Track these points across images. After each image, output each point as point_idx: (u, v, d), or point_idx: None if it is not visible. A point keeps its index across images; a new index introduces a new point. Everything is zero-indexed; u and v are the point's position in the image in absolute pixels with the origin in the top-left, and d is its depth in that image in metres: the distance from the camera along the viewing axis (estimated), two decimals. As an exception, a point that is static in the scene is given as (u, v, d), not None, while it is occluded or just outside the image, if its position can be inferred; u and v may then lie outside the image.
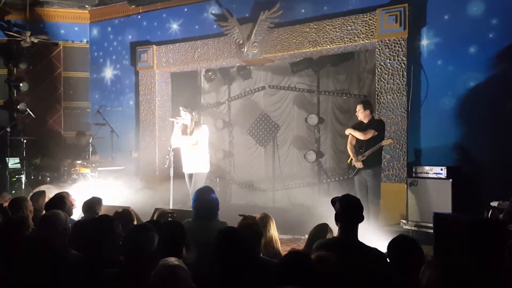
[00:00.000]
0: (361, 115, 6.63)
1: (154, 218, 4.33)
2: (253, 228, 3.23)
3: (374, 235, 4.47)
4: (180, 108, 7.20)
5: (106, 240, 3.02)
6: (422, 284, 2.42)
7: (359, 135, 6.59)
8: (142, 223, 3.57)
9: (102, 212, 4.52)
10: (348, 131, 6.80)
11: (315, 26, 7.72)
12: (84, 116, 10.82)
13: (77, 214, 4.85)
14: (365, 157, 6.46)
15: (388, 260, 2.93)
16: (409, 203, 6.40)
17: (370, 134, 6.55)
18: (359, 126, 6.72)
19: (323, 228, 3.65)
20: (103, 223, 3.19)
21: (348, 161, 6.70)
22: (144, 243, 2.76)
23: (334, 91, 8.55)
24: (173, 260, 2.32)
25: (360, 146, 6.59)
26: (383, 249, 3.02)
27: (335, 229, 3.48)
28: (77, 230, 3.76)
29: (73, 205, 4.62)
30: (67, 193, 4.70)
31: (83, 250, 3.11)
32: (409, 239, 2.94)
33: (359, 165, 6.51)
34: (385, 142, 6.60)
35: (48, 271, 2.45)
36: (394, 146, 6.86)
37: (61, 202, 4.37)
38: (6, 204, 4.71)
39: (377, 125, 6.69)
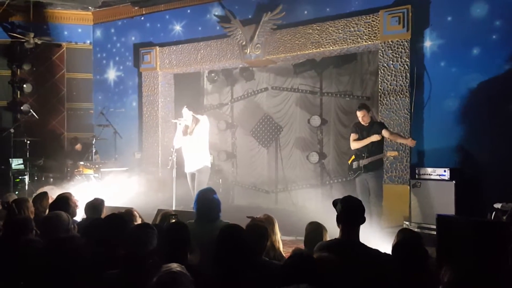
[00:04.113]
0: (366, 118, 6.36)
1: (157, 219, 4.33)
2: (260, 230, 3.22)
3: (376, 237, 4.46)
4: (185, 107, 7.15)
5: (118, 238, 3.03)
6: (443, 283, 2.48)
7: (366, 141, 6.29)
8: (142, 223, 3.59)
9: (104, 213, 4.53)
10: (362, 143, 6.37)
11: (318, 28, 7.73)
12: (87, 117, 10.85)
13: (79, 215, 4.85)
14: (367, 163, 6.25)
15: (391, 261, 2.93)
16: (412, 204, 6.39)
17: (374, 138, 6.27)
18: (361, 129, 6.43)
19: (318, 227, 3.65)
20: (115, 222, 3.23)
21: (349, 161, 6.53)
22: (144, 241, 2.77)
23: (337, 93, 8.55)
24: (175, 266, 2.29)
25: (362, 150, 6.34)
26: (386, 250, 3.02)
27: (331, 229, 3.49)
28: (87, 230, 3.75)
29: (76, 205, 4.62)
30: (70, 193, 4.69)
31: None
32: (413, 239, 2.95)
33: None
34: (390, 154, 6.45)
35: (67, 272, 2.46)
36: (397, 147, 6.85)
37: (65, 203, 4.36)
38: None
39: (380, 127, 6.41)
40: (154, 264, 2.70)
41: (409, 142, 6.22)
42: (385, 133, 6.25)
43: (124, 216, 3.73)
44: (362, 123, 6.34)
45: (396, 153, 6.53)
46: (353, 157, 6.44)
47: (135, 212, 4.38)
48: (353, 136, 6.44)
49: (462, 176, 6.24)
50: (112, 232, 3.18)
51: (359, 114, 6.34)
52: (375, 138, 6.21)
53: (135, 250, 2.75)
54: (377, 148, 6.31)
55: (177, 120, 7.23)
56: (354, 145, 6.41)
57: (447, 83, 6.78)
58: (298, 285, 2.14)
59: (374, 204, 6.11)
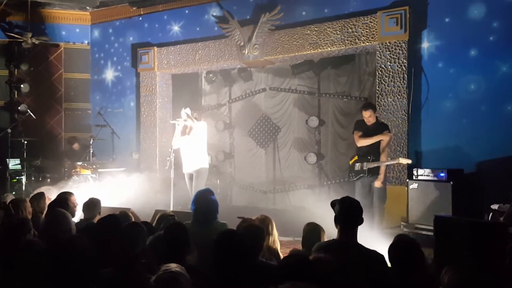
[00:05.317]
0: (372, 118, 5.91)
1: (155, 220, 4.33)
2: (257, 231, 3.22)
3: (374, 238, 4.45)
4: (185, 110, 7.11)
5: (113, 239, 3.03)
6: (443, 284, 2.49)
7: (375, 139, 5.86)
8: (132, 222, 3.60)
9: (102, 213, 4.53)
10: (368, 141, 5.90)
11: (316, 29, 7.73)
12: (85, 118, 10.84)
13: (77, 215, 4.84)
14: (372, 167, 5.83)
15: (388, 262, 2.93)
16: (410, 205, 6.38)
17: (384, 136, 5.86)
18: (366, 128, 5.97)
19: (316, 228, 3.65)
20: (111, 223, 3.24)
21: (351, 162, 6.13)
22: (134, 239, 2.78)
23: (334, 93, 8.55)
24: (174, 266, 2.31)
25: (367, 152, 5.89)
26: (383, 251, 3.02)
27: (329, 230, 3.49)
28: (84, 231, 3.75)
29: (75, 206, 4.62)
30: (70, 193, 4.68)
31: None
32: (410, 240, 2.95)
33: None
34: (403, 161, 6.03)
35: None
36: (395, 148, 6.86)
37: (65, 203, 4.36)
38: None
39: (385, 128, 6.00)
40: (145, 264, 2.71)
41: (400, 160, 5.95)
42: (385, 138, 5.90)
43: (120, 217, 3.73)
44: (367, 123, 5.92)
45: (409, 161, 6.14)
46: (356, 157, 6.03)
47: (130, 213, 4.39)
48: (357, 133, 5.98)
49: (460, 177, 6.23)
50: (107, 233, 3.19)
51: (366, 113, 5.88)
52: (384, 136, 5.82)
53: (125, 248, 2.76)
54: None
55: (175, 121, 7.23)
56: (362, 142, 5.91)
57: (445, 84, 6.79)
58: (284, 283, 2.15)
59: (378, 207, 5.85)
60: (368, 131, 5.92)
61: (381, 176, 5.79)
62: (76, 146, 9.89)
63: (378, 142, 5.87)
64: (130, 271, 2.65)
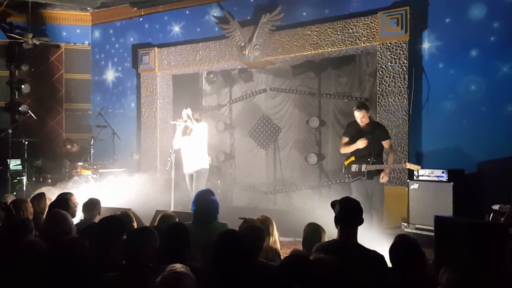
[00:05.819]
0: (365, 119, 5.74)
1: (156, 221, 4.33)
2: (257, 231, 3.23)
3: (374, 238, 4.45)
4: (186, 110, 7.11)
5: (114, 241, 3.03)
6: (441, 284, 2.51)
7: (353, 147, 5.80)
8: (143, 226, 3.59)
9: (102, 213, 4.53)
10: (355, 146, 5.80)
11: (316, 29, 7.74)
12: (85, 118, 10.85)
13: (77, 215, 4.84)
14: (371, 169, 5.69)
15: (388, 262, 2.94)
16: (410, 206, 6.38)
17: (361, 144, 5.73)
18: (358, 131, 5.80)
19: (317, 229, 3.66)
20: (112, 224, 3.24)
21: (346, 163, 5.98)
22: (145, 244, 2.77)
23: (335, 94, 8.55)
24: (179, 267, 2.31)
25: (366, 154, 5.74)
26: (384, 251, 3.02)
27: (330, 230, 3.50)
28: (85, 232, 3.76)
29: (76, 206, 4.62)
30: (70, 194, 4.69)
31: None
32: (411, 241, 2.96)
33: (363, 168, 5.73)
34: (411, 166, 5.93)
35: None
36: (395, 148, 6.86)
37: (65, 204, 4.37)
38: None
39: (383, 134, 5.86)
40: (153, 268, 2.70)
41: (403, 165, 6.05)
42: (386, 144, 5.83)
43: (122, 218, 3.74)
44: (360, 124, 5.77)
45: (418, 167, 6.01)
46: (352, 158, 5.88)
47: (131, 214, 4.39)
48: (344, 138, 5.95)
49: (461, 178, 6.22)
50: (108, 234, 3.19)
51: (358, 114, 5.72)
52: (361, 144, 5.67)
53: (136, 253, 2.75)
54: (382, 151, 5.91)
55: (176, 122, 7.24)
56: (343, 150, 5.92)
57: (445, 85, 6.80)
58: None
59: (377, 209, 5.76)
60: (361, 133, 5.76)
61: (386, 171, 5.78)
62: (70, 148, 9.86)
63: (378, 143, 5.79)
64: (137, 276, 2.64)
